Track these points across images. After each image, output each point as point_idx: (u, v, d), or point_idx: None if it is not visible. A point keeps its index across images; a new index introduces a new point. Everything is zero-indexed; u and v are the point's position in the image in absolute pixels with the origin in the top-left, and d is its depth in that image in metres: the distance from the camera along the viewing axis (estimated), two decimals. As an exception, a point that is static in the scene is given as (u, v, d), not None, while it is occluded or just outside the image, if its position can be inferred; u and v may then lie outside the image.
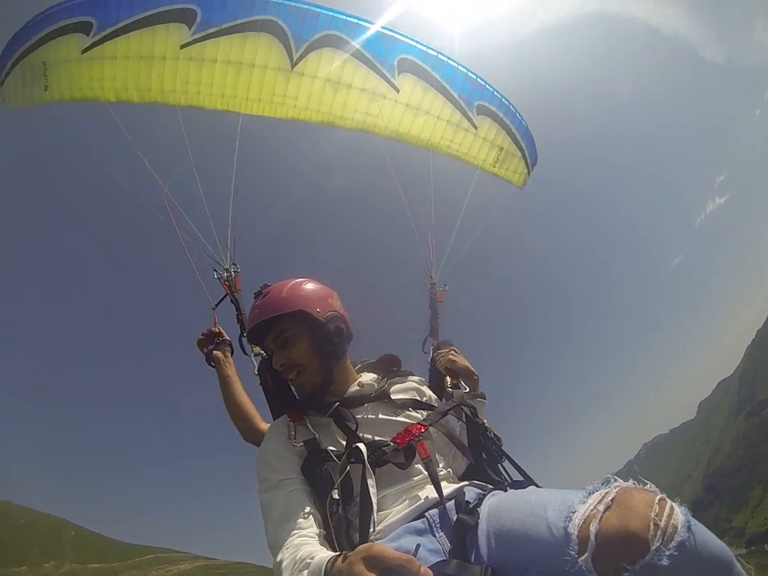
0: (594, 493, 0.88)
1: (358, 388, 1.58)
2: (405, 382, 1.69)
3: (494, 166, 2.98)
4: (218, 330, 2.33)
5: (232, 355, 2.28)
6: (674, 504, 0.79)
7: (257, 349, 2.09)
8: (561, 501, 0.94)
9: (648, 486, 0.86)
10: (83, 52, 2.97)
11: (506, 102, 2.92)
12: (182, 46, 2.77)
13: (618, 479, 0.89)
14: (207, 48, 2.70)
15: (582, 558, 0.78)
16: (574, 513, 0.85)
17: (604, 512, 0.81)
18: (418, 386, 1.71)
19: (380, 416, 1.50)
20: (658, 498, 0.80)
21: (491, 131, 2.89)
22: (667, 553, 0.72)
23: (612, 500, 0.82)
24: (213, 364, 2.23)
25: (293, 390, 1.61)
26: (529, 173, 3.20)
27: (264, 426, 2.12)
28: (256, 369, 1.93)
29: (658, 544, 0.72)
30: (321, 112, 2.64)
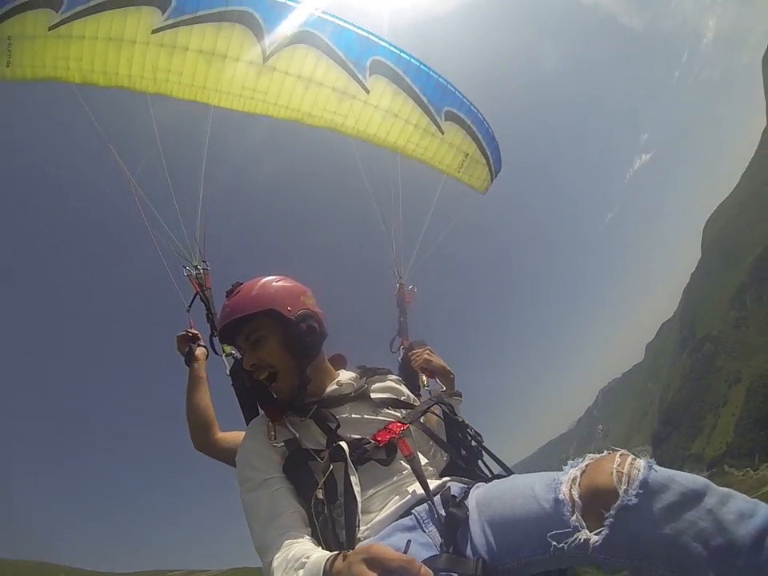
0: (573, 468, 1.02)
1: (336, 387, 1.58)
2: (384, 381, 1.70)
3: (459, 171, 3.08)
4: (195, 332, 2.30)
5: (206, 359, 2.27)
6: (634, 455, 0.94)
7: (228, 349, 2.08)
8: (545, 478, 1.06)
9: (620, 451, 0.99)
10: (51, 29, 2.87)
11: (474, 110, 3.01)
12: (154, 31, 2.72)
13: (594, 453, 1.03)
14: (179, 35, 2.66)
15: (573, 518, 0.91)
16: (560, 484, 0.98)
17: (580, 476, 0.96)
18: (396, 385, 1.73)
19: (360, 415, 1.50)
20: (619, 453, 0.95)
21: (458, 137, 2.98)
22: (633, 492, 0.85)
23: (586, 465, 0.99)
24: (189, 364, 2.19)
25: (271, 391, 1.58)
26: (492, 179, 3.31)
27: (220, 435, 2.09)
28: (228, 369, 1.90)
29: (624, 487, 0.86)
30: (290, 109, 2.66)
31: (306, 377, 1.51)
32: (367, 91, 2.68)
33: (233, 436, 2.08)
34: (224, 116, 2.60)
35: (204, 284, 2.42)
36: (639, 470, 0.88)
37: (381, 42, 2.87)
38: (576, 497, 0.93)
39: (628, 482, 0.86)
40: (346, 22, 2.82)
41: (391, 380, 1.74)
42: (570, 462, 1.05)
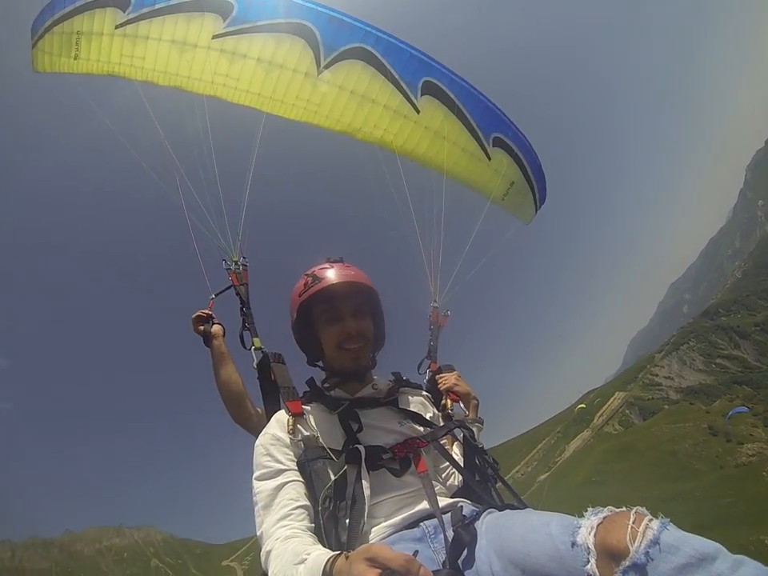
0: (592, 516, 1.02)
1: (372, 390, 1.60)
2: (414, 395, 1.72)
3: (503, 199, 3.02)
4: (209, 312, 2.34)
5: (224, 335, 2.30)
6: (650, 515, 0.94)
7: (257, 341, 2.12)
8: (564, 519, 1.06)
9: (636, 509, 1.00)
10: (117, 27, 3.00)
11: (523, 138, 2.96)
12: (215, 37, 2.80)
13: (613, 508, 1.03)
14: (238, 42, 2.73)
15: (588, 565, 0.93)
16: (579, 528, 0.99)
17: (597, 526, 0.96)
18: (425, 401, 1.74)
19: (384, 423, 1.52)
20: (634, 510, 0.96)
21: (504, 164, 2.93)
22: (644, 551, 0.86)
23: (603, 517, 0.99)
24: (208, 345, 2.24)
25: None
26: (536, 210, 3.24)
27: (255, 410, 2.13)
28: (255, 363, 1.92)
29: (636, 545, 0.87)
30: (341, 122, 2.67)
31: (375, 361, 1.67)
32: (418, 111, 2.67)
33: (263, 417, 2.04)
34: (275, 122, 2.64)
35: (242, 279, 2.43)
36: (653, 530, 0.88)
37: (434, 63, 2.87)
38: (591, 546, 0.94)
39: (641, 540, 0.87)
40: (400, 41, 2.84)
41: (422, 396, 1.75)
42: (590, 509, 1.03)
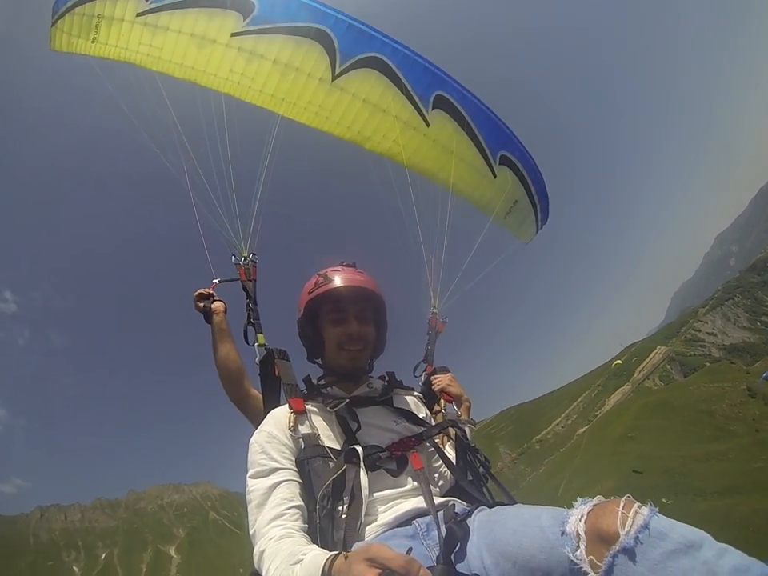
0: (581, 505, 1.03)
1: (368, 389, 1.64)
2: (408, 394, 1.77)
3: (505, 218, 3.05)
4: (210, 291, 2.34)
5: (225, 311, 2.29)
6: (639, 502, 0.96)
7: (262, 338, 2.13)
8: (554, 511, 1.07)
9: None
10: (138, 15, 3.02)
11: (529, 157, 2.99)
12: (234, 35, 2.82)
13: (602, 497, 1.04)
14: (256, 42, 2.76)
15: (578, 552, 0.94)
16: (568, 518, 1.00)
17: (587, 514, 0.98)
18: (418, 401, 1.79)
19: (380, 422, 1.55)
20: (624, 497, 0.97)
21: (509, 182, 2.96)
22: (633, 535, 0.88)
23: (593, 505, 1.01)
24: (209, 321, 2.22)
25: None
26: (537, 230, 3.28)
27: (253, 392, 2.10)
28: (258, 359, 1.93)
29: (626, 530, 0.89)
30: (351, 130, 2.70)
31: (372, 366, 1.73)
32: (428, 125, 2.70)
33: (259, 400, 2.02)
34: (291, 122, 2.66)
35: (250, 275, 2.44)
36: (642, 515, 0.90)
37: (447, 78, 2.91)
38: (582, 532, 0.95)
39: (631, 525, 0.89)
40: (416, 54, 2.88)
41: (415, 396, 1.80)
42: (579, 499, 1.05)
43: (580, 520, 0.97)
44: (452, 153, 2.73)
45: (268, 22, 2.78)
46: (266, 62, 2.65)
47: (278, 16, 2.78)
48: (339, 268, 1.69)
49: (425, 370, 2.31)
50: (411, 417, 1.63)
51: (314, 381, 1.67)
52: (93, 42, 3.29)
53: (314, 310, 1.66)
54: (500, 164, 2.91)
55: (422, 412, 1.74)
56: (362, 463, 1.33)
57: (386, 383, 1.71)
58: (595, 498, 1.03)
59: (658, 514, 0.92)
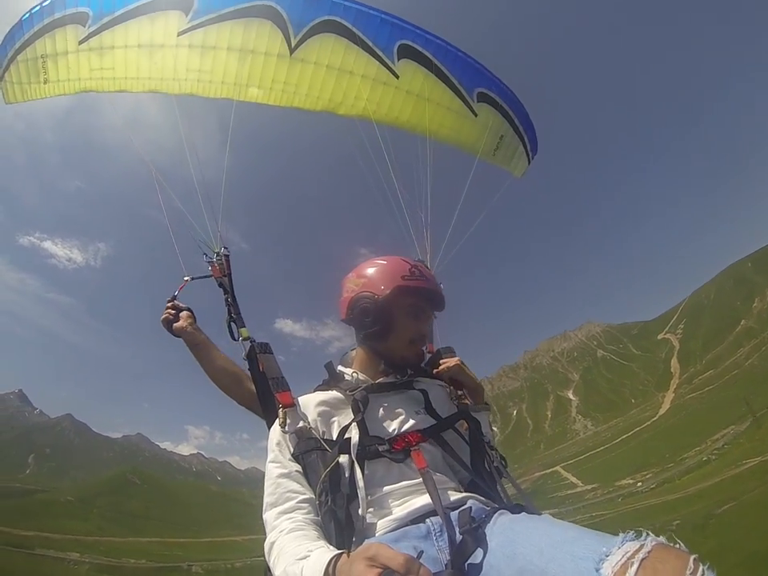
0: (629, 541, 0.85)
1: (392, 380, 1.60)
2: (434, 383, 1.72)
3: (494, 154, 2.96)
4: (172, 311, 2.17)
5: (195, 322, 2.15)
6: (705, 568, 0.77)
7: (245, 332, 2.01)
8: (590, 538, 0.91)
9: (679, 545, 0.84)
10: (81, 43, 2.94)
11: (507, 90, 2.88)
12: (180, 33, 2.73)
13: (651, 534, 0.86)
14: (204, 35, 2.66)
15: None
16: (608, 555, 0.82)
17: (641, 562, 0.79)
18: (441, 390, 1.71)
19: (401, 410, 1.50)
20: (692, 557, 0.79)
21: (491, 119, 2.86)
22: None
23: (649, 552, 0.81)
24: (181, 335, 2.09)
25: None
26: (529, 162, 3.17)
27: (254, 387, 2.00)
28: (245, 354, 1.87)
29: None
30: (321, 99, 2.61)
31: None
32: (397, 76, 2.60)
33: None
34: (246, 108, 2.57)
35: (224, 270, 2.32)
36: None
37: (407, 26, 2.78)
38: None
39: None
40: (369, 7, 2.75)
41: (438, 385, 1.72)
42: (623, 534, 0.86)
43: (629, 566, 0.78)
44: (427, 100, 2.63)
45: (211, 12, 2.68)
46: (221, 52, 2.57)
47: (220, 3, 2.68)
48: (423, 266, 1.71)
49: (426, 350, 2.23)
50: (431, 407, 1.57)
51: (335, 367, 1.67)
52: (45, 83, 3.22)
53: (398, 294, 1.58)
54: (479, 101, 2.80)
55: (445, 401, 1.66)
56: (353, 454, 1.28)
57: (411, 371, 1.66)
58: (649, 538, 0.84)
59: None
